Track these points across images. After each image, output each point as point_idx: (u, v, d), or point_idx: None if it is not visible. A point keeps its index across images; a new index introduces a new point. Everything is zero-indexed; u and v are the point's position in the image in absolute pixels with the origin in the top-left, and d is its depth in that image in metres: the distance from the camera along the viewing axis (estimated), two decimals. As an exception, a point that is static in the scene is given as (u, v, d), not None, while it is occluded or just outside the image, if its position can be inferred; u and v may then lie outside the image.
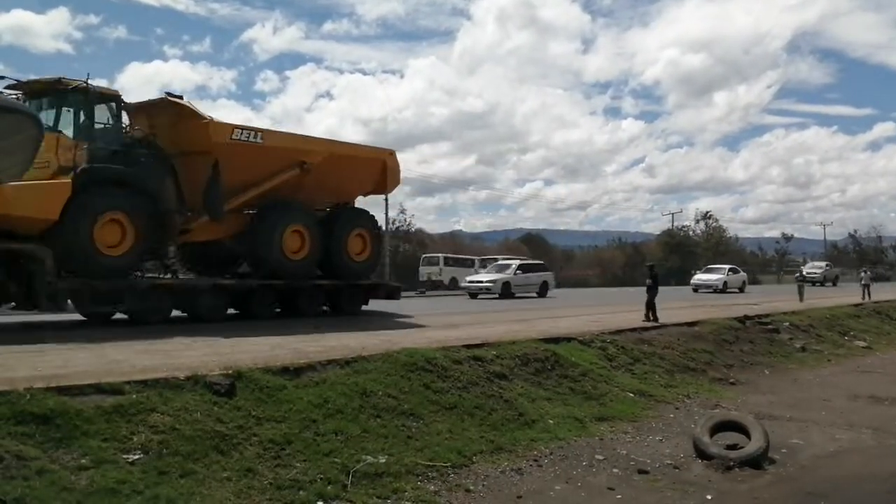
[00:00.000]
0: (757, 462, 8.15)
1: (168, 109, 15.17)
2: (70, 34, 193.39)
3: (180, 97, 15.43)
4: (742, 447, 8.41)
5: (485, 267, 36.86)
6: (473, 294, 29.99)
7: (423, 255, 48.76)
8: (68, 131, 13.62)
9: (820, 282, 48.12)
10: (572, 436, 9.04)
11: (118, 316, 14.40)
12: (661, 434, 9.58)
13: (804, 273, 34.89)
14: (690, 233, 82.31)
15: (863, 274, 32.43)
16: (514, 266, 31.78)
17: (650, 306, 16.83)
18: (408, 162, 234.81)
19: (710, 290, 37.65)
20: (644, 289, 18.01)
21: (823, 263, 57.34)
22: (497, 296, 28.86)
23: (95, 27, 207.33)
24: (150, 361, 8.84)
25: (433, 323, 15.51)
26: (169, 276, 15.96)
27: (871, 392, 13.23)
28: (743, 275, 42.49)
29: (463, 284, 32.92)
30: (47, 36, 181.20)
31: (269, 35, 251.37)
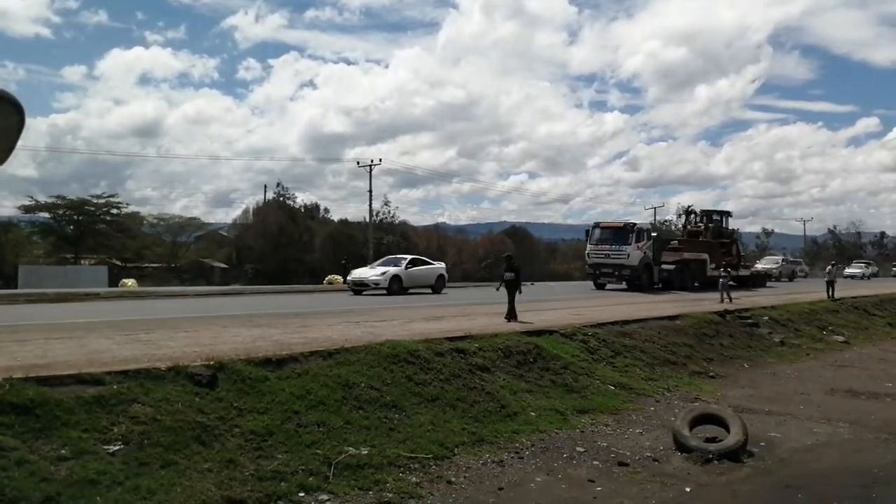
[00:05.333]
0: (735, 455, 8.24)
1: None
2: (49, 18, 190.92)
3: None
4: (721, 440, 8.50)
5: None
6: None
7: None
8: None
9: (776, 277, 45.68)
10: (553, 428, 9.09)
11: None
12: (641, 427, 9.66)
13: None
14: (672, 227, 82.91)
15: (829, 269, 29.77)
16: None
17: (511, 304, 14.82)
18: (390, 153, 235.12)
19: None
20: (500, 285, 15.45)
21: (780, 257, 54.41)
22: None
23: (74, 12, 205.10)
24: (131, 352, 8.80)
25: (419, 315, 15.53)
26: None
27: (849, 386, 13.40)
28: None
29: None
30: (25, 19, 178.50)
31: (252, 23, 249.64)
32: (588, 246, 31.67)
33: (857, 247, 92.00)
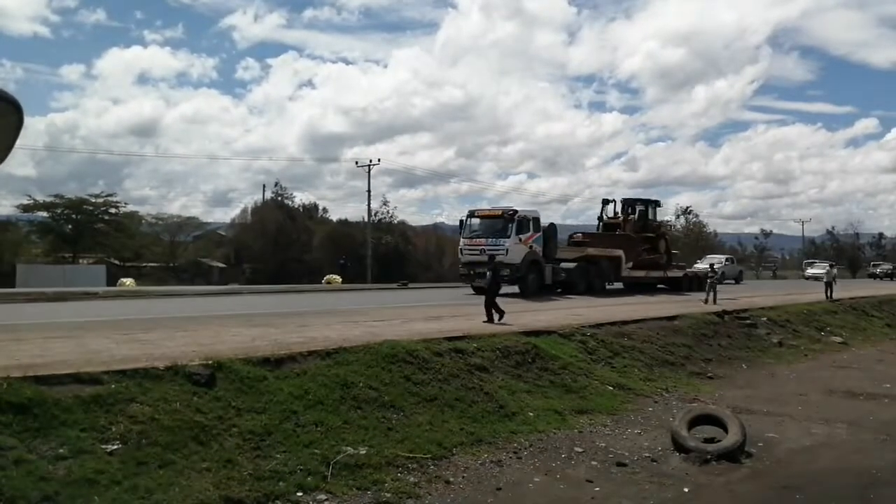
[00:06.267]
0: (734, 455, 8.24)
1: None
2: (47, 17, 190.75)
3: None
4: (719, 441, 8.50)
5: None
6: None
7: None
8: None
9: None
10: (552, 428, 9.10)
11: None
12: (639, 427, 9.66)
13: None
14: (671, 227, 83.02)
15: (826, 269, 29.72)
16: None
17: (490, 305, 14.38)
18: (389, 153, 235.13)
19: None
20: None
21: (723, 257, 48.24)
22: None
23: (73, 10, 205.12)
24: (130, 351, 8.79)
25: (417, 315, 15.52)
26: None
27: (847, 387, 13.41)
28: None
29: None
30: (23, 18, 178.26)
31: (250, 22, 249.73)
32: (461, 240, 25.87)
33: (855, 248, 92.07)
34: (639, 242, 30.88)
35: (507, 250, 23.66)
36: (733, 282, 43.30)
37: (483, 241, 24.68)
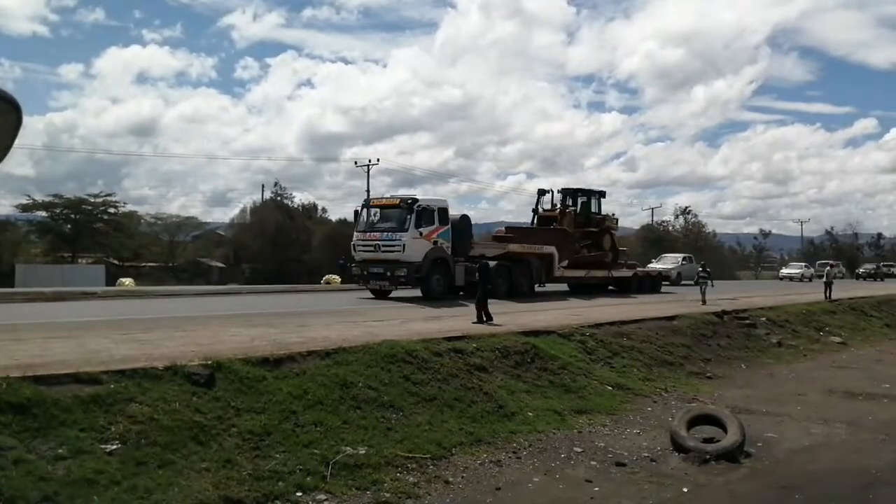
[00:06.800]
0: (733, 455, 8.24)
1: None
2: (46, 16, 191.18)
3: None
4: (718, 441, 8.51)
5: None
6: None
7: None
8: None
9: (672, 280, 36.00)
10: (551, 428, 9.10)
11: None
12: (638, 427, 9.66)
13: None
14: (670, 228, 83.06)
15: (827, 269, 29.47)
16: None
17: (481, 305, 14.21)
18: (388, 153, 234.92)
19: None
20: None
21: (680, 256, 43.88)
22: None
23: (72, 10, 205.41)
24: (129, 351, 8.79)
25: (416, 315, 15.52)
26: None
27: (846, 387, 13.41)
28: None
29: None
30: (22, 17, 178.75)
31: (249, 22, 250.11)
32: (354, 235, 22.19)
33: (854, 248, 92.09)
34: (578, 238, 27.41)
35: (404, 246, 20.30)
36: (693, 283, 40.16)
37: (378, 235, 21.20)
